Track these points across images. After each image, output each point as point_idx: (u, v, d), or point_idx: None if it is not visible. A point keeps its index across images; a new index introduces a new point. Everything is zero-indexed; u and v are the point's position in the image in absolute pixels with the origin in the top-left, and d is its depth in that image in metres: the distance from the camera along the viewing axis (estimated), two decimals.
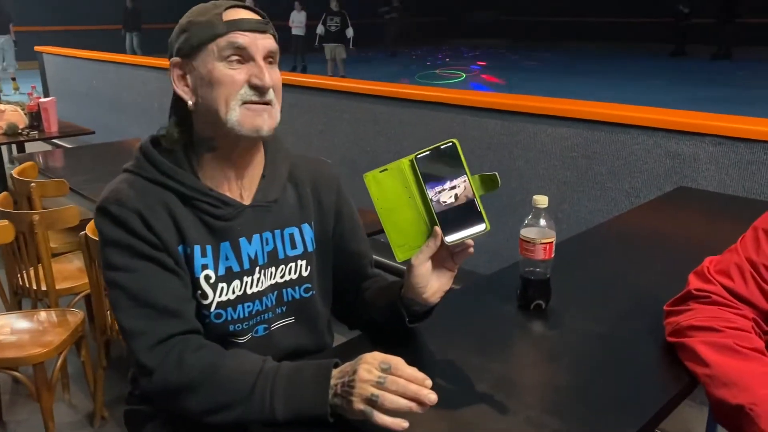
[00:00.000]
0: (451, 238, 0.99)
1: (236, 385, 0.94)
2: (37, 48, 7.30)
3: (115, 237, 1.02)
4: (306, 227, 1.18)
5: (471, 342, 1.20)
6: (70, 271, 2.69)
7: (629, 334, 1.23)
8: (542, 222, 1.30)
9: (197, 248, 1.06)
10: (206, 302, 1.07)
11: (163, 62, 5.42)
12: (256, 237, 1.11)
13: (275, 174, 1.16)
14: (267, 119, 1.04)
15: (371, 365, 0.88)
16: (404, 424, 0.85)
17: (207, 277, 1.07)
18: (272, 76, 1.05)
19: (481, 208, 0.98)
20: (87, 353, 2.34)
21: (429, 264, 1.02)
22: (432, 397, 0.85)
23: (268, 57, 1.06)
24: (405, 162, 1.00)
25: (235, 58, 1.03)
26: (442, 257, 1.03)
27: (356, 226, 1.29)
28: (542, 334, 1.27)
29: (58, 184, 2.83)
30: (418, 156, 1.00)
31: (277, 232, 1.14)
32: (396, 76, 11.96)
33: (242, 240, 1.10)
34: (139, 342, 0.99)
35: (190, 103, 1.08)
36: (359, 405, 0.86)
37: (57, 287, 2.46)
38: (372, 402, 0.85)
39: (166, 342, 0.99)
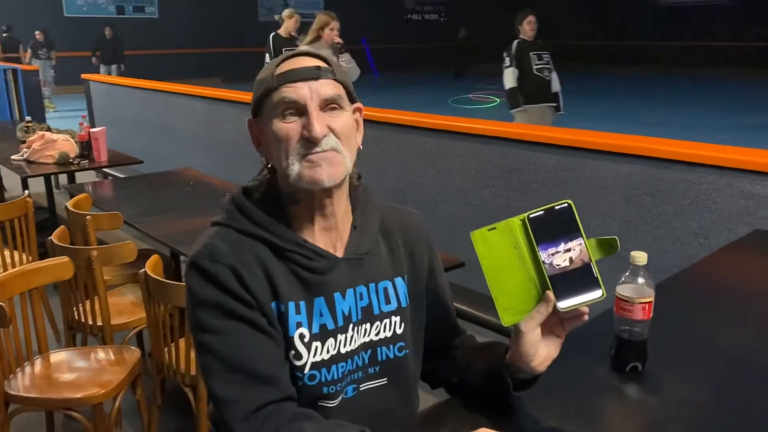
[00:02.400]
0: (564, 305, 0.94)
1: None
2: (84, 76, 7.47)
3: (207, 295, 0.99)
4: (399, 281, 1.14)
5: (568, 409, 1.13)
6: (124, 305, 2.68)
7: (737, 402, 1.14)
8: (640, 280, 1.24)
9: (291, 305, 1.02)
10: (300, 363, 1.03)
11: (210, 90, 5.48)
12: (350, 292, 1.07)
13: (366, 225, 1.13)
14: (326, 168, 1.00)
15: None
16: None
17: (301, 336, 1.03)
18: (332, 123, 1.01)
19: (597, 273, 0.92)
20: (142, 391, 2.32)
21: (539, 331, 0.97)
22: None
23: (328, 103, 1.01)
24: (516, 221, 0.96)
25: (289, 111, 1.00)
26: (552, 323, 0.98)
27: (445, 280, 1.24)
28: (642, 400, 1.20)
29: (112, 217, 2.84)
30: (531, 216, 0.95)
31: (372, 285, 1.10)
32: (425, 103, 11.81)
33: (337, 295, 1.06)
34: (233, 411, 0.95)
35: (263, 159, 1.08)
36: None
37: (111, 322, 2.45)
38: None
39: (260, 411, 0.95)
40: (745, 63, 16.75)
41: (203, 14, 16.53)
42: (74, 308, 2.50)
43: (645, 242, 2.61)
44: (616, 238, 0.94)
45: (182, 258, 3.00)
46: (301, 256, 1.04)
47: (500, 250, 0.95)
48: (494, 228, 0.96)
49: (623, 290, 1.24)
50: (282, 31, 6.03)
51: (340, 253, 1.08)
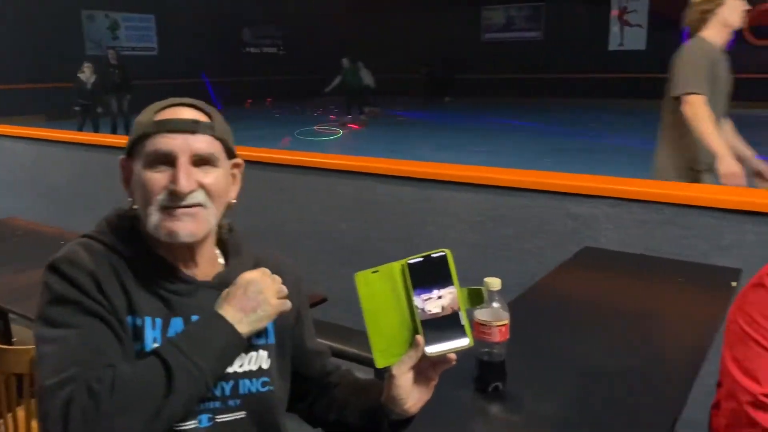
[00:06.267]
0: (432, 350, 0.96)
1: (150, 378, 0.93)
2: None
3: (65, 293, 0.98)
4: None
5: None
6: None
7: (591, 415, 1.26)
8: (496, 304, 1.33)
9: (148, 320, 1.02)
10: None
11: (35, 131, 5.05)
12: None
13: (236, 262, 1.14)
14: (188, 223, 1.02)
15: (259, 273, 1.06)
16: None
17: None
18: (203, 178, 1.03)
19: (465, 321, 0.96)
20: None
21: (410, 375, 1.00)
22: None
23: (201, 159, 1.03)
24: (396, 266, 0.98)
25: (159, 161, 1.02)
26: (423, 367, 1.00)
27: (311, 325, 1.27)
28: (506, 419, 1.28)
29: None
30: (410, 261, 0.98)
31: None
32: (268, 137, 11.60)
33: (195, 318, 1.05)
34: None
35: (129, 200, 1.09)
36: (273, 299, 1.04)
37: None
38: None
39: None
40: (554, 93, 18.65)
41: (21, 46, 15.19)
42: None
43: (491, 264, 2.80)
44: (483, 288, 0.99)
45: (11, 316, 2.71)
46: (162, 276, 1.05)
47: (380, 293, 0.98)
48: (377, 271, 0.98)
49: (481, 315, 1.32)
50: None
51: (204, 279, 1.10)
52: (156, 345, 1.01)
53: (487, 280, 1.33)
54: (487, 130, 13.77)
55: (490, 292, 1.33)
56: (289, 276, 1.19)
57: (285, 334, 1.17)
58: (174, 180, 1.00)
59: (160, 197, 1.01)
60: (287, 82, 20.84)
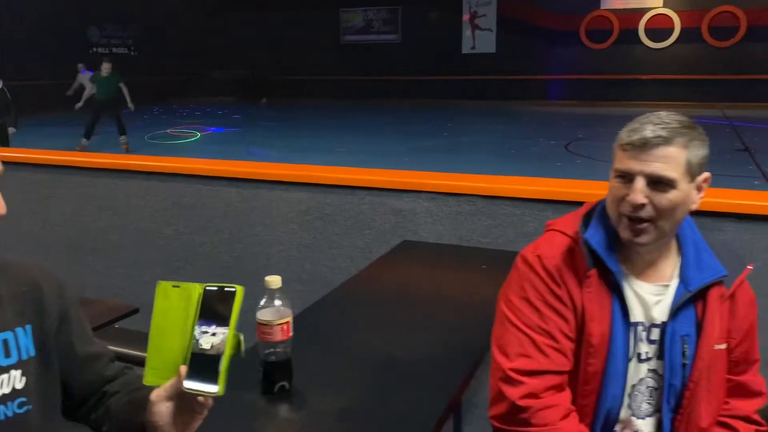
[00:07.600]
0: (188, 385, 0.91)
1: None
2: None
3: None
4: (21, 331, 1.03)
5: None
6: None
7: (376, 406, 1.26)
8: (277, 302, 1.30)
9: None
10: None
11: None
12: None
13: None
14: None
15: None
16: None
17: None
18: None
19: (223, 369, 0.91)
20: None
21: (169, 404, 0.95)
22: None
23: None
24: (197, 288, 0.94)
25: None
26: (189, 397, 0.94)
27: (85, 327, 1.16)
28: (290, 418, 1.26)
29: None
30: (207, 288, 0.94)
31: None
32: (115, 142, 10.94)
33: None
34: None
35: None
36: None
37: None
38: None
39: None
40: (413, 94, 19.22)
41: None
42: None
43: (321, 263, 2.79)
44: (242, 343, 0.96)
45: None
46: None
47: (174, 311, 0.93)
48: (178, 286, 0.94)
49: (263, 315, 1.29)
50: None
51: None
52: None
53: (267, 278, 1.31)
54: (347, 131, 13.88)
55: (271, 291, 1.30)
56: (46, 280, 1.10)
57: (48, 341, 1.07)
58: None
59: None
60: (140, 83, 19.80)
